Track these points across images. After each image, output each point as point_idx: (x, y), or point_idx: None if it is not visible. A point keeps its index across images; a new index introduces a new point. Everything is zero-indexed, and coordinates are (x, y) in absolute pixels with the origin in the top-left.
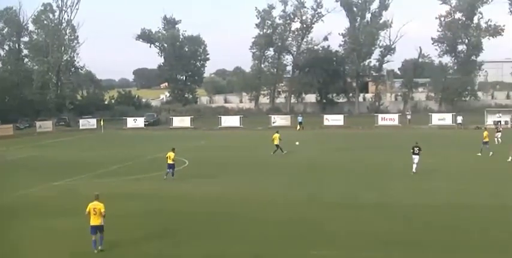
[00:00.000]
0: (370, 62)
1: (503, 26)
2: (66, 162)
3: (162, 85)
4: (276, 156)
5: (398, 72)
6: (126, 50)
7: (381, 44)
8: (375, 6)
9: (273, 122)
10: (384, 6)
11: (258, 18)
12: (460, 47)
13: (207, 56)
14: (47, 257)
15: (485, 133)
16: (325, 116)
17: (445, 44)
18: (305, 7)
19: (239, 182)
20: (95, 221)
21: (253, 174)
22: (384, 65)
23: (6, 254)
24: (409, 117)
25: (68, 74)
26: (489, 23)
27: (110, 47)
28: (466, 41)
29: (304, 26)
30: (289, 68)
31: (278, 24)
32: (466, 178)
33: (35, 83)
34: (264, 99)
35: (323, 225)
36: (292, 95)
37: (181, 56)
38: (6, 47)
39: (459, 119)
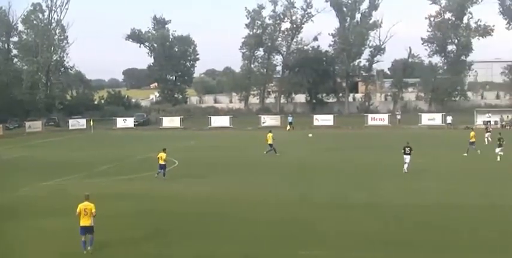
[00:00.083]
0: (360, 62)
1: (493, 26)
2: (56, 162)
3: (152, 85)
4: (266, 156)
5: (388, 72)
6: (115, 50)
7: (370, 44)
8: (364, 6)
9: (263, 122)
10: (373, 6)
11: (247, 18)
12: (450, 47)
13: (197, 56)
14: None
15: (472, 133)
16: (315, 116)
17: (434, 44)
18: (295, 7)
19: (229, 182)
20: (85, 221)
21: (244, 174)
22: (374, 65)
23: None
24: (398, 117)
25: (57, 74)
26: (479, 23)
27: (100, 47)
28: (456, 41)
29: (294, 26)
30: (279, 68)
31: (268, 24)
32: (455, 178)
33: (25, 83)
34: (254, 100)
35: (314, 225)
36: (282, 95)
37: (171, 56)
38: None
39: (449, 119)
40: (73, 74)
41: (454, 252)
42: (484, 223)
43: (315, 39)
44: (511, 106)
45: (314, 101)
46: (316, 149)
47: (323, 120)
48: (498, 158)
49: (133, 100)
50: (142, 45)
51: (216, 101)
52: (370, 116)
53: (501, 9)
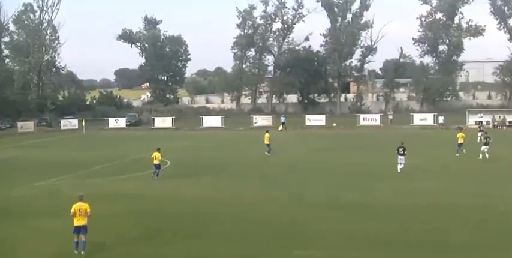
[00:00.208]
0: (352, 62)
1: (484, 26)
2: (49, 162)
3: (144, 85)
4: (263, 156)
5: (379, 72)
6: (107, 50)
7: (362, 44)
8: (355, 6)
9: (255, 123)
10: (364, 6)
11: (239, 19)
12: (441, 47)
13: (188, 56)
14: None
15: (459, 134)
16: (307, 116)
17: (426, 44)
18: (286, 7)
19: (222, 182)
20: (79, 221)
21: (237, 174)
22: (365, 65)
23: None
24: (390, 117)
25: (49, 74)
26: (470, 23)
27: (91, 47)
28: (447, 41)
29: (285, 26)
30: (270, 68)
31: (259, 24)
32: (449, 178)
33: (16, 84)
34: (246, 100)
35: (308, 225)
36: (274, 95)
37: (163, 56)
38: None
39: (441, 119)
40: (65, 74)
41: (452, 253)
42: (481, 223)
43: (307, 39)
44: (502, 106)
45: (306, 101)
46: (309, 149)
47: (315, 120)
48: (480, 156)
49: (125, 100)
50: (133, 45)
51: (207, 101)
52: (362, 116)
53: (492, 9)
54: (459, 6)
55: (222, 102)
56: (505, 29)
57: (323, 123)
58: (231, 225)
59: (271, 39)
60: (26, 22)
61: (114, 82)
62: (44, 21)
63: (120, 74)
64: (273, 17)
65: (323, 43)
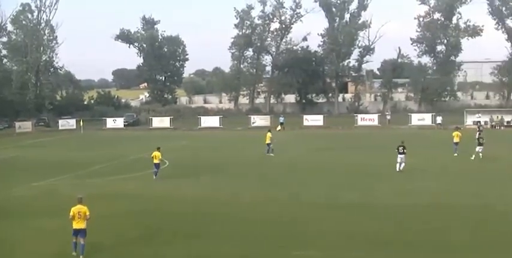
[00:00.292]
0: (349, 62)
1: (482, 26)
2: (48, 162)
3: (142, 85)
4: (262, 156)
5: (377, 72)
6: (105, 50)
7: (359, 44)
8: (353, 6)
9: (253, 123)
10: (362, 6)
11: (237, 19)
12: (439, 47)
13: (186, 57)
14: None
15: (455, 133)
16: (305, 117)
17: (424, 44)
18: (284, 7)
19: (222, 182)
20: (78, 224)
21: (236, 174)
22: (363, 65)
23: None
24: (388, 117)
25: (47, 74)
26: (468, 23)
27: (89, 47)
28: (445, 41)
29: (283, 26)
30: (268, 68)
31: (257, 24)
32: (448, 178)
33: (14, 84)
34: (244, 100)
35: (307, 225)
36: (272, 96)
37: (160, 57)
38: None
39: (439, 119)
40: (62, 74)
41: (451, 253)
42: (481, 223)
43: (304, 39)
44: (500, 106)
45: (304, 101)
46: (308, 149)
47: (313, 120)
48: (473, 157)
49: (123, 100)
50: (131, 45)
51: (205, 101)
52: (359, 116)
53: (490, 9)
54: (457, 6)
55: (220, 102)
56: (503, 29)
57: (321, 123)
58: (231, 225)
59: (269, 39)
60: (24, 22)
61: (112, 82)
62: (41, 21)
63: (118, 74)
64: (271, 17)
65: (321, 43)
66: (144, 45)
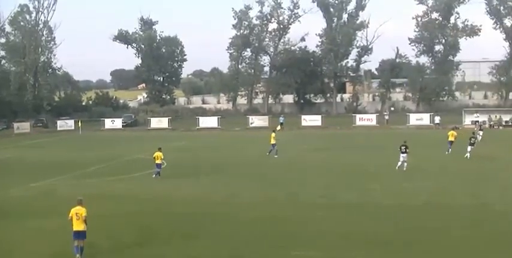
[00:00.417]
0: (348, 62)
1: (480, 26)
2: (46, 163)
3: (140, 86)
4: (260, 156)
5: (375, 72)
6: (103, 51)
7: (357, 44)
8: (351, 6)
9: (251, 123)
10: (360, 6)
11: (234, 19)
12: (437, 47)
13: (184, 57)
14: None
15: (450, 132)
16: (303, 117)
17: (422, 44)
18: (282, 8)
19: (220, 182)
20: (78, 226)
21: (235, 174)
22: (361, 65)
23: None
24: (386, 117)
25: (45, 75)
26: (466, 23)
27: (87, 48)
28: (443, 41)
29: (281, 26)
30: (266, 68)
31: (255, 24)
32: (447, 178)
33: (12, 84)
34: (242, 100)
35: (306, 225)
36: (270, 96)
37: (159, 57)
38: None
39: (437, 119)
40: (61, 75)
41: (451, 253)
42: (480, 223)
43: (302, 39)
44: (498, 106)
45: (302, 101)
46: (306, 150)
47: (311, 120)
48: (467, 155)
49: (121, 101)
50: (129, 46)
51: (203, 102)
52: (358, 116)
53: (488, 9)
54: (455, 6)
55: (218, 102)
56: (501, 29)
57: (319, 123)
58: (230, 226)
59: (267, 39)
60: (22, 23)
61: (110, 83)
62: (40, 22)
63: (116, 75)
64: (269, 17)
65: (319, 43)
66: (142, 46)
